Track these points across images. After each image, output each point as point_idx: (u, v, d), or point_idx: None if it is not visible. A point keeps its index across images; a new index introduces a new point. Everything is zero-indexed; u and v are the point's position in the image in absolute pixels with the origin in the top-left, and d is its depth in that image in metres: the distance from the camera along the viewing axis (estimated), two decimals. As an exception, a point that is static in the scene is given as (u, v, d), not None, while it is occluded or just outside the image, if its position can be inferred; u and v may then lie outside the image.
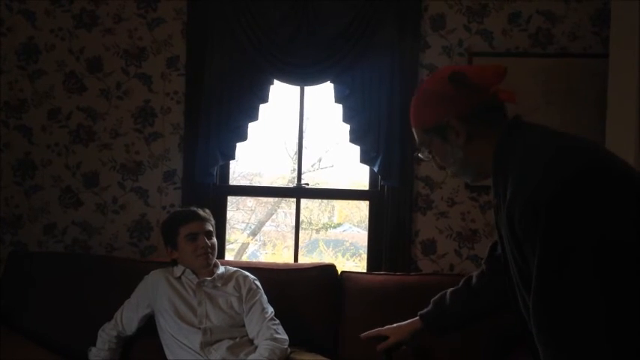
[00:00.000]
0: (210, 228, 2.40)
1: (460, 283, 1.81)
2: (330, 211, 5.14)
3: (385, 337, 1.87)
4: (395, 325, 1.87)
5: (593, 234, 1.07)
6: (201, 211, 2.41)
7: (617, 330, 1.03)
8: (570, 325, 1.07)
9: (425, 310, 1.83)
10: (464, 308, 1.77)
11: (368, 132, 2.79)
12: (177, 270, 2.38)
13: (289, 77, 2.83)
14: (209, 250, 2.35)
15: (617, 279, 1.05)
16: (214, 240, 2.41)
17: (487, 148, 1.34)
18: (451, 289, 1.81)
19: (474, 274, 1.80)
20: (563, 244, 1.08)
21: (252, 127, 2.86)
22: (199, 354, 2.21)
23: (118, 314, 2.39)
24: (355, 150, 2.87)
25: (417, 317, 1.83)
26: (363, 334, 1.92)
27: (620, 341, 1.03)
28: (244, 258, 4.62)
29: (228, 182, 3.06)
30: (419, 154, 1.49)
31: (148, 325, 2.38)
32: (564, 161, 1.15)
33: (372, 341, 1.90)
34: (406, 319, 1.87)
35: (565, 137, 1.28)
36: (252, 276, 2.44)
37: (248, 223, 4.97)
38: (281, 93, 3.04)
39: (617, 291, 1.04)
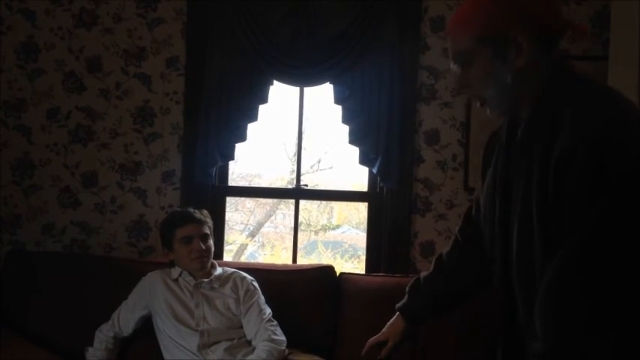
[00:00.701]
0: (207, 231, 2.39)
1: (432, 266, 1.66)
2: (328, 213, 5.14)
3: (384, 342, 1.71)
4: (387, 326, 1.72)
5: None
6: (197, 213, 2.40)
7: None
8: (600, 289, 1.02)
9: (401, 302, 1.68)
10: (440, 293, 1.61)
11: (367, 133, 2.78)
12: (175, 271, 2.37)
13: (289, 78, 2.83)
14: (203, 254, 2.34)
15: None
16: (210, 243, 2.39)
17: (535, 82, 1.19)
18: (424, 274, 1.66)
19: (444, 252, 1.65)
20: (628, 221, 1.01)
21: (251, 127, 2.86)
22: (197, 355, 2.21)
23: (115, 315, 2.39)
24: (354, 151, 2.87)
25: (398, 313, 1.69)
26: (363, 352, 1.73)
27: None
28: (243, 259, 4.62)
29: (227, 183, 3.05)
30: (453, 66, 1.27)
31: (146, 327, 2.38)
32: (625, 119, 1.06)
33: (373, 350, 1.74)
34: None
35: (621, 96, 1.15)
36: (249, 277, 2.43)
37: (247, 224, 4.97)
38: (280, 94, 3.04)
39: None
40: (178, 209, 2.50)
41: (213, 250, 2.42)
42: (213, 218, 2.49)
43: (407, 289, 1.69)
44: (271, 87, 2.86)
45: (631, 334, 1.02)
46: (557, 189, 1.07)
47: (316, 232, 4.99)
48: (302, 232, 4.63)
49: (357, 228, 5.00)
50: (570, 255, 1.05)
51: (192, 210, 2.42)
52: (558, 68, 1.20)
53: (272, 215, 4.99)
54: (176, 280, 2.36)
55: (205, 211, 2.46)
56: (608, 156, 1.01)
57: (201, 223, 2.38)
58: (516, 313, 1.27)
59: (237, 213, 4.87)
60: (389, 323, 1.72)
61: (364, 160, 2.84)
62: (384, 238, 2.87)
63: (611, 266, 1.02)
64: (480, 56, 1.20)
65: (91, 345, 2.36)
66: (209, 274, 2.37)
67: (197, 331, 2.24)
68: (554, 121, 1.11)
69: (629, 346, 1.02)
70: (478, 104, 1.28)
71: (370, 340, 1.74)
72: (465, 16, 1.22)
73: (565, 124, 1.08)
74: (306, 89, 2.98)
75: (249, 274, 2.45)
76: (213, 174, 2.86)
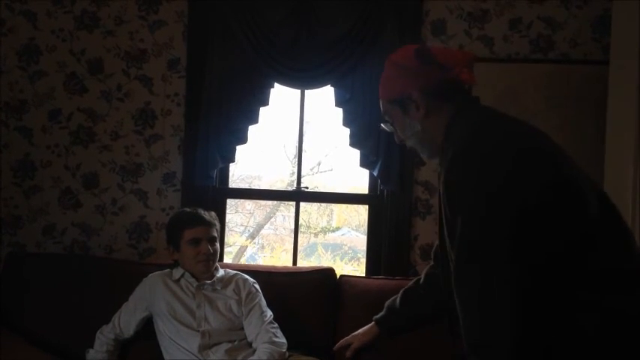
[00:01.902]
0: (215, 234, 2.39)
1: (410, 284, 1.91)
2: (328, 215, 5.14)
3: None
4: (359, 331, 1.99)
5: (511, 203, 1.20)
6: (207, 216, 2.39)
7: (523, 291, 1.18)
8: (483, 273, 1.21)
9: (379, 314, 1.93)
10: (412, 309, 1.86)
11: (368, 136, 2.79)
12: (177, 272, 2.37)
13: (290, 80, 2.84)
14: (210, 257, 2.34)
15: (526, 245, 1.19)
16: (217, 246, 2.39)
17: (442, 125, 1.42)
18: (404, 289, 1.90)
19: (424, 271, 1.88)
20: (480, 208, 1.22)
21: (252, 130, 2.86)
22: (198, 357, 2.21)
23: (115, 317, 2.39)
24: (355, 154, 2.87)
25: (373, 322, 1.94)
26: (334, 348, 2.07)
27: (525, 306, 1.17)
28: (242, 261, 4.62)
29: (227, 185, 3.06)
30: (382, 125, 1.58)
31: (147, 328, 2.38)
32: (480, 142, 1.29)
33: (343, 351, 2.02)
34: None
35: (514, 122, 1.38)
36: (251, 279, 2.43)
37: (247, 226, 4.97)
38: (281, 96, 3.04)
39: (524, 258, 1.19)
40: (188, 209, 2.46)
41: (218, 253, 2.42)
42: (213, 220, 2.48)
43: (385, 303, 1.94)
44: (272, 89, 2.86)
45: (524, 310, 1.18)
46: (446, 196, 1.30)
47: (316, 235, 5.00)
48: (302, 235, 4.63)
49: (357, 230, 5.00)
50: (457, 249, 1.26)
51: (201, 211, 2.40)
52: (458, 109, 1.42)
53: (272, 217, 5.00)
54: (177, 281, 2.35)
55: (214, 213, 2.45)
56: (455, 187, 1.26)
57: (210, 225, 2.37)
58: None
59: (238, 215, 4.88)
60: (364, 328, 1.99)
61: (365, 162, 2.85)
62: (384, 241, 2.87)
63: (487, 252, 1.21)
64: (394, 114, 1.51)
65: (92, 347, 2.36)
66: (212, 275, 2.37)
67: (198, 331, 2.24)
68: (448, 150, 1.35)
69: (524, 321, 1.18)
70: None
71: (341, 340, 2.03)
72: (380, 87, 1.55)
73: (451, 149, 1.33)
74: (307, 92, 2.98)
75: (250, 276, 2.45)
76: (214, 176, 2.87)
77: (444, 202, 1.29)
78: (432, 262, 1.87)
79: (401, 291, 1.90)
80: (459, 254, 1.24)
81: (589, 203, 1.26)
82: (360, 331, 1.99)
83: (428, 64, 1.42)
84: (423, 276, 1.87)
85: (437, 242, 1.76)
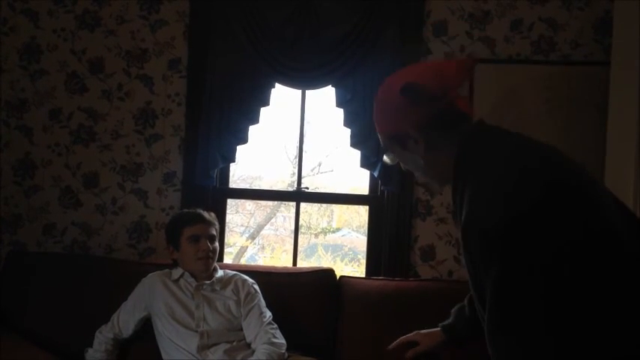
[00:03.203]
0: (214, 232, 2.40)
1: None
2: (329, 216, 5.14)
3: (415, 343, 1.78)
4: (423, 331, 1.80)
5: (543, 271, 1.08)
6: (206, 215, 2.41)
7: (558, 330, 1.07)
8: (521, 327, 1.09)
9: (446, 321, 1.77)
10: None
11: (369, 137, 2.78)
12: (176, 272, 2.37)
13: (291, 81, 2.83)
14: (210, 254, 2.35)
15: (563, 300, 1.08)
16: (216, 245, 2.40)
17: (448, 156, 1.30)
18: (467, 296, 1.73)
19: None
20: (512, 284, 1.09)
21: (252, 130, 2.86)
22: (196, 357, 2.20)
23: (114, 316, 2.39)
24: (355, 154, 2.87)
25: (439, 328, 1.77)
26: (390, 346, 1.82)
27: (562, 339, 1.07)
28: (243, 261, 4.62)
29: (227, 185, 3.05)
30: (385, 157, 1.47)
31: (146, 328, 2.37)
32: (520, 191, 1.13)
33: (402, 347, 1.81)
34: (404, 325, 1.83)
35: (525, 150, 1.24)
36: (250, 280, 2.43)
37: (247, 227, 4.97)
38: (282, 96, 3.04)
39: (561, 308, 1.08)
40: (187, 209, 2.50)
41: (217, 252, 2.42)
42: (213, 220, 2.49)
43: (452, 310, 1.77)
44: (273, 89, 2.86)
45: None
46: (469, 256, 1.18)
47: (316, 235, 4.99)
48: (302, 235, 4.63)
49: (357, 231, 5.00)
50: (488, 319, 1.14)
51: (201, 211, 2.42)
52: (463, 142, 1.28)
53: (272, 218, 5.00)
54: (177, 281, 2.35)
55: (213, 214, 2.47)
56: (486, 236, 1.12)
57: (209, 224, 2.39)
58: None
59: (238, 215, 4.87)
60: (428, 330, 1.79)
61: (365, 163, 2.84)
62: (385, 242, 2.87)
63: (521, 327, 1.10)
64: (395, 149, 1.40)
65: (91, 346, 2.36)
66: (211, 276, 2.37)
67: (197, 332, 2.24)
68: (462, 191, 1.23)
69: None
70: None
71: (402, 337, 1.80)
72: (374, 119, 1.42)
73: (466, 201, 1.19)
74: (308, 92, 2.98)
75: (249, 277, 2.45)
76: (214, 176, 2.87)
77: (465, 252, 1.19)
78: None
79: (467, 297, 1.73)
80: (491, 320, 1.13)
81: (623, 241, 1.14)
82: (424, 332, 1.80)
83: (417, 99, 1.29)
84: None
85: None
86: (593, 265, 1.10)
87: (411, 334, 1.81)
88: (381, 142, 1.44)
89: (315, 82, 2.84)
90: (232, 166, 3.08)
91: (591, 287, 1.09)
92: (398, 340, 1.81)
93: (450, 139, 1.30)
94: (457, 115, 1.31)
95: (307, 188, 3.05)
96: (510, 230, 1.10)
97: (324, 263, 4.63)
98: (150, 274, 2.41)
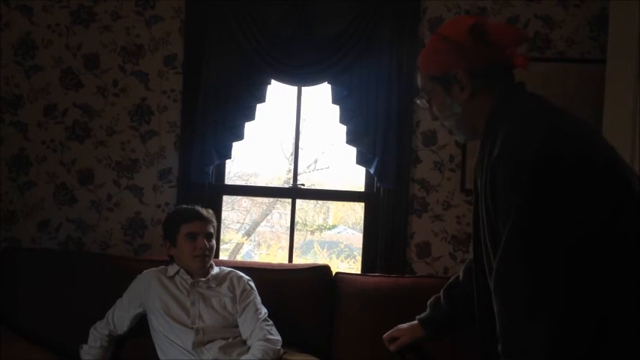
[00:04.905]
0: (211, 230, 2.39)
1: (450, 280, 1.77)
2: (325, 213, 5.13)
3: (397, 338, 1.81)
4: (404, 325, 1.81)
5: (568, 214, 1.11)
6: (204, 212, 2.40)
7: (572, 292, 1.10)
8: (531, 277, 1.12)
9: (423, 314, 1.78)
10: (458, 308, 1.70)
11: (365, 133, 2.78)
12: (172, 269, 2.37)
13: (287, 77, 2.83)
14: (206, 252, 2.34)
15: (580, 260, 1.11)
16: (213, 242, 2.40)
17: (485, 109, 1.33)
18: (445, 287, 1.77)
19: (461, 269, 1.75)
20: (538, 213, 1.12)
21: (248, 126, 2.85)
22: (191, 354, 2.20)
23: (109, 313, 2.38)
24: (351, 151, 2.86)
25: (417, 321, 1.78)
26: (384, 335, 1.84)
27: (571, 315, 1.10)
28: (238, 258, 4.61)
29: (223, 181, 3.05)
30: (417, 101, 1.47)
31: (141, 325, 2.37)
32: (556, 140, 1.17)
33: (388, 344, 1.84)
34: (400, 321, 1.83)
35: (562, 115, 1.29)
36: (246, 276, 2.43)
37: (243, 223, 4.96)
38: (278, 93, 3.04)
39: (578, 271, 1.10)
40: (185, 205, 2.47)
41: (214, 250, 2.42)
42: (209, 217, 2.48)
43: (428, 302, 1.79)
44: (269, 86, 2.85)
45: (566, 320, 1.10)
46: (492, 193, 1.21)
47: (312, 232, 4.99)
48: (298, 232, 4.62)
49: (353, 228, 5.00)
50: (504, 249, 1.16)
51: (199, 207, 2.41)
52: (504, 95, 1.33)
53: (268, 214, 4.99)
54: (172, 278, 2.35)
55: (211, 211, 2.46)
56: (521, 164, 1.14)
57: (207, 221, 2.38)
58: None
59: (234, 212, 4.86)
60: (407, 324, 1.81)
61: (361, 160, 2.84)
62: (381, 239, 2.87)
63: (538, 257, 1.12)
64: (435, 92, 1.39)
65: (86, 342, 2.36)
66: (206, 273, 2.37)
67: (192, 329, 2.24)
68: (494, 140, 1.25)
69: (565, 330, 1.10)
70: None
71: (384, 335, 1.83)
72: (422, 58, 1.42)
73: (499, 141, 1.22)
74: (304, 89, 2.98)
75: (245, 273, 2.45)
76: (210, 172, 2.86)
77: (490, 193, 1.20)
78: (470, 257, 1.72)
79: (442, 289, 1.76)
80: (508, 251, 1.15)
81: None
82: (404, 326, 1.81)
83: (481, 43, 1.30)
84: (462, 273, 1.74)
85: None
86: (624, 230, 1.13)
87: (392, 330, 1.83)
88: (421, 84, 1.43)
89: (311, 79, 2.83)
90: (228, 162, 3.07)
91: (616, 250, 1.12)
92: (383, 338, 1.83)
93: (492, 92, 1.33)
94: (507, 71, 1.35)
95: (303, 185, 3.04)
96: (546, 165, 1.13)
97: (320, 260, 4.62)
98: (145, 271, 2.41)
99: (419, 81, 1.44)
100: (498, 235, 1.20)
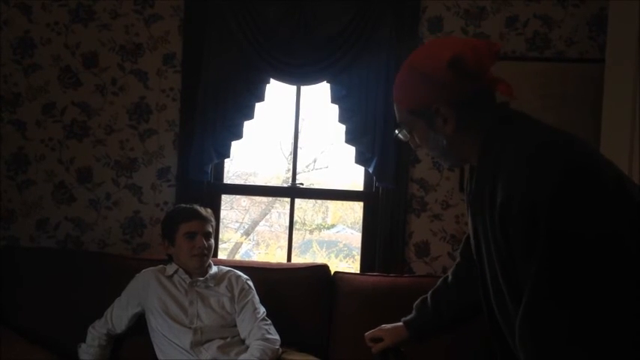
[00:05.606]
0: (210, 229, 2.39)
1: (438, 283, 1.74)
2: (324, 212, 5.13)
3: (380, 339, 1.77)
4: (388, 326, 1.78)
5: (592, 230, 1.05)
6: (203, 211, 2.40)
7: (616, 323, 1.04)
8: (570, 318, 1.05)
9: (409, 316, 1.75)
10: (444, 311, 1.68)
11: (364, 133, 2.78)
12: (170, 268, 2.37)
13: (286, 76, 2.83)
14: (205, 251, 2.34)
15: (613, 271, 1.05)
16: (212, 242, 2.40)
17: (474, 138, 1.26)
18: (432, 290, 1.73)
19: (450, 271, 1.72)
20: (567, 241, 1.05)
21: (247, 125, 2.85)
22: (190, 353, 2.20)
23: (108, 312, 2.38)
24: (350, 151, 2.86)
25: (401, 323, 1.75)
26: (366, 334, 1.80)
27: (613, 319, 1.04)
28: (237, 257, 4.61)
29: (222, 180, 3.05)
30: (398, 134, 1.38)
31: (139, 324, 2.37)
32: (552, 160, 1.10)
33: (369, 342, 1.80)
34: (398, 321, 1.81)
35: (552, 132, 1.21)
36: (244, 276, 2.43)
37: (242, 223, 4.96)
38: (277, 92, 3.04)
39: (614, 285, 1.05)
40: (184, 204, 2.47)
41: (213, 249, 2.41)
42: (208, 216, 2.48)
43: (414, 305, 1.75)
44: (268, 85, 2.85)
45: (607, 347, 1.04)
46: (505, 240, 1.14)
47: (311, 232, 4.99)
48: (297, 231, 4.62)
49: (352, 227, 5.00)
50: (533, 294, 1.09)
51: (198, 207, 2.41)
52: (496, 121, 1.25)
53: (267, 214, 4.99)
54: (171, 277, 2.35)
55: (210, 210, 2.46)
56: (535, 210, 1.06)
57: (206, 220, 2.38)
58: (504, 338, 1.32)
59: (233, 211, 4.86)
60: (392, 325, 1.77)
61: (360, 159, 2.84)
62: (379, 238, 2.87)
63: (575, 297, 1.05)
64: (416, 126, 1.32)
65: (84, 341, 2.36)
66: (205, 272, 2.37)
67: (190, 328, 2.24)
68: (495, 170, 1.17)
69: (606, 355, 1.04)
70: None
71: (367, 333, 1.79)
72: (398, 92, 1.33)
73: (502, 175, 1.14)
74: (303, 88, 2.97)
75: (244, 273, 2.45)
76: (209, 171, 2.86)
77: (501, 234, 1.14)
78: (458, 260, 1.71)
79: (429, 292, 1.73)
80: (537, 297, 1.08)
81: None
82: (388, 326, 1.77)
83: (462, 76, 1.22)
84: (451, 276, 1.70)
85: (463, 243, 1.70)
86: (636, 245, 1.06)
87: (375, 329, 1.78)
88: (399, 117, 1.35)
89: (310, 78, 2.83)
90: (227, 161, 3.07)
91: (632, 264, 1.05)
92: (365, 336, 1.79)
93: (478, 120, 1.26)
94: (491, 96, 1.28)
95: (302, 184, 3.04)
96: (556, 199, 1.06)
97: (319, 259, 4.62)
98: (144, 270, 2.41)
99: (397, 114, 1.36)
100: (511, 259, 1.14)
